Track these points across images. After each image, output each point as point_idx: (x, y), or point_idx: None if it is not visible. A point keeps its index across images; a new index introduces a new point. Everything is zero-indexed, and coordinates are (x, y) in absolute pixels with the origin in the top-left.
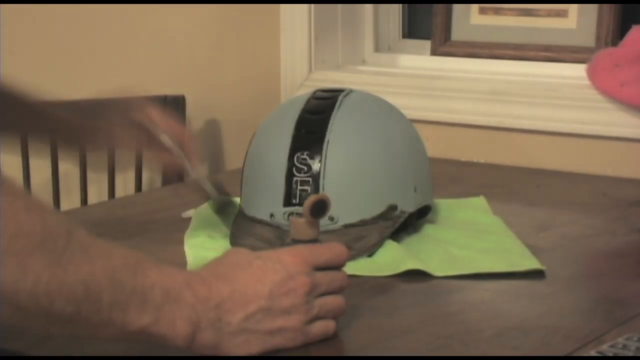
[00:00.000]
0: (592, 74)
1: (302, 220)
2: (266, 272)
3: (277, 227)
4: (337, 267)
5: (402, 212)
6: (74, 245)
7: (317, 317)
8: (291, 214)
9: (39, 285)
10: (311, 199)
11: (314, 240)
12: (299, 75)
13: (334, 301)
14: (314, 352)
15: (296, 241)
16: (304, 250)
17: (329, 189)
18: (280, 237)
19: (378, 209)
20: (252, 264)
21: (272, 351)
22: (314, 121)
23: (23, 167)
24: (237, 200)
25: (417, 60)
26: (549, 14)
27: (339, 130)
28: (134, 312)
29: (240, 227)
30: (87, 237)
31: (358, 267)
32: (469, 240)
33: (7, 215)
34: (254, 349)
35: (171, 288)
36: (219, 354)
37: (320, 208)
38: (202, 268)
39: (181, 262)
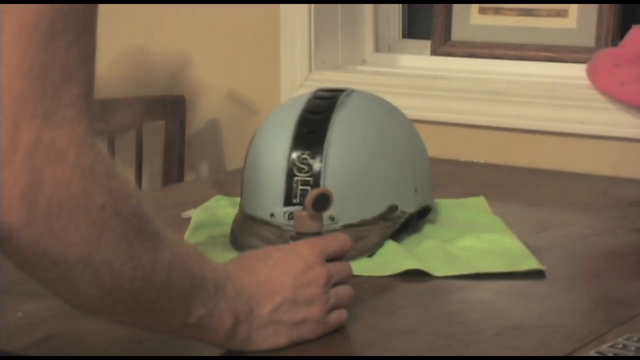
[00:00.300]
0: (592, 74)
1: (305, 213)
2: (287, 263)
3: (277, 227)
4: (342, 256)
5: (403, 212)
6: (158, 230)
7: (334, 307)
8: (291, 213)
9: (137, 269)
10: (313, 192)
11: (317, 233)
12: (299, 75)
13: (345, 290)
14: (315, 352)
15: (300, 234)
16: (317, 241)
17: (330, 188)
18: (280, 237)
19: (378, 209)
20: (271, 256)
21: (297, 343)
22: (315, 121)
23: None
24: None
25: (417, 60)
26: (549, 14)
27: (340, 130)
28: (196, 303)
29: (241, 226)
30: (161, 223)
31: (358, 267)
32: (469, 240)
33: (124, 196)
34: (281, 341)
35: (220, 280)
36: (248, 349)
37: (322, 202)
38: (226, 263)
39: None
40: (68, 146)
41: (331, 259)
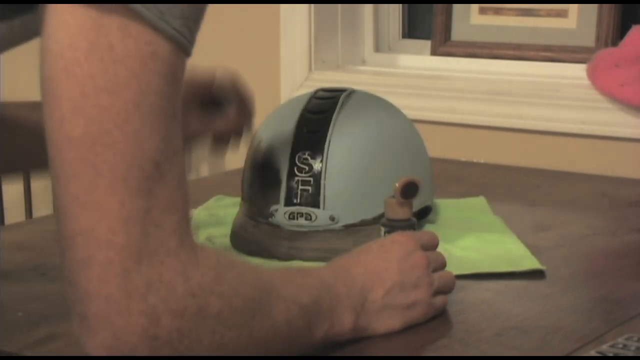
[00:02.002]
0: (592, 74)
1: (394, 200)
2: (387, 252)
3: (278, 227)
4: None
5: None
6: (271, 292)
7: (437, 290)
8: (292, 213)
9: (260, 340)
10: (402, 180)
11: (407, 220)
12: (299, 75)
13: (447, 275)
14: (315, 353)
15: (390, 220)
16: (410, 232)
17: (330, 188)
18: (280, 237)
19: (378, 209)
20: (371, 248)
21: (411, 325)
22: (315, 121)
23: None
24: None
25: (417, 60)
26: (549, 14)
27: (341, 130)
28: (316, 327)
29: (241, 226)
30: (268, 273)
31: None
32: (469, 240)
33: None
34: (397, 324)
35: (330, 286)
36: (368, 334)
37: (410, 189)
38: (332, 262)
39: None
40: (175, 277)
41: (426, 250)
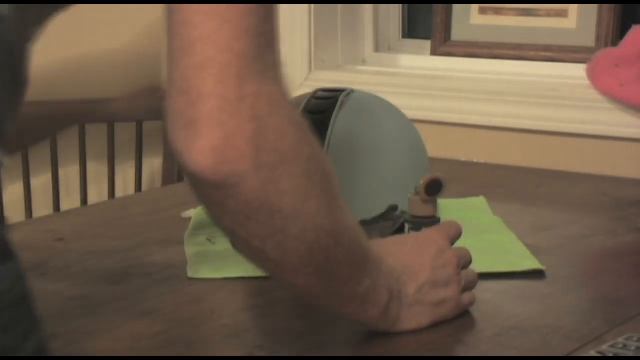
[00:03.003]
0: (592, 74)
1: (417, 198)
2: (422, 247)
3: None
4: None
5: (403, 212)
6: (341, 195)
7: (465, 288)
8: None
9: (334, 225)
10: (426, 178)
11: (432, 217)
12: (299, 75)
13: (472, 273)
14: (315, 352)
15: (415, 217)
16: (443, 227)
17: None
18: None
19: (378, 209)
20: (407, 242)
21: (439, 322)
22: (315, 121)
23: (23, 167)
24: None
25: (417, 60)
26: (549, 14)
27: (340, 130)
28: (365, 273)
29: None
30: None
31: None
32: (468, 240)
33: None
34: (425, 321)
35: (377, 257)
36: (396, 329)
37: (434, 187)
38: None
39: (181, 262)
40: (281, 99)
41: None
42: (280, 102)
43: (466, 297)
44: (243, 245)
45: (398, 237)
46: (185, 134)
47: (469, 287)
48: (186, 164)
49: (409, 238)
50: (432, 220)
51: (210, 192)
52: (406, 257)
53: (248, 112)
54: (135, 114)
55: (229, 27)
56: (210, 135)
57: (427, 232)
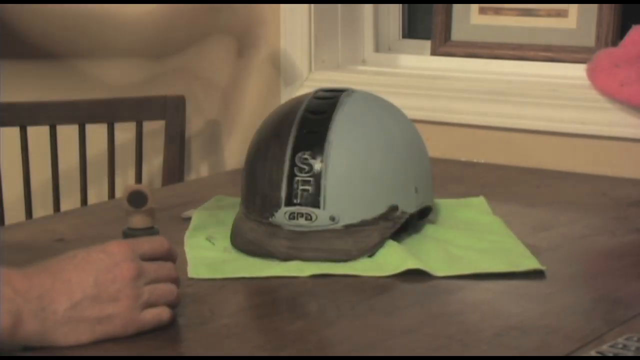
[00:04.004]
0: (592, 74)
1: (132, 209)
2: (90, 262)
3: (278, 227)
4: (164, 258)
5: (403, 212)
6: None
7: (149, 304)
8: (292, 213)
9: None
10: (128, 189)
11: (149, 228)
12: (299, 76)
13: (164, 288)
14: (314, 353)
15: (132, 230)
16: (128, 241)
17: (331, 189)
18: (280, 237)
19: (379, 209)
20: (77, 256)
21: (104, 339)
22: (315, 121)
23: (23, 166)
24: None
25: (417, 60)
26: (549, 14)
27: (341, 130)
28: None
29: (241, 227)
30: None
31: (358, 267)
32: (469, 240)
33: None
34: (83, 337)
35: (20, 289)
36: (47, 344)
37: (138, 198)
38: (29, 266)
39: (181, 262)
40: None
41: (152, 259)
42: None
43: (150, 313)
44: None
45: (74, 251)
46: None
47: (157, 302)
48: None
49: (82, 252)
50: (151, 232)
51: None
52: (66, 273)
53: None
54: None
55: None
56: None
57: (106, 245)
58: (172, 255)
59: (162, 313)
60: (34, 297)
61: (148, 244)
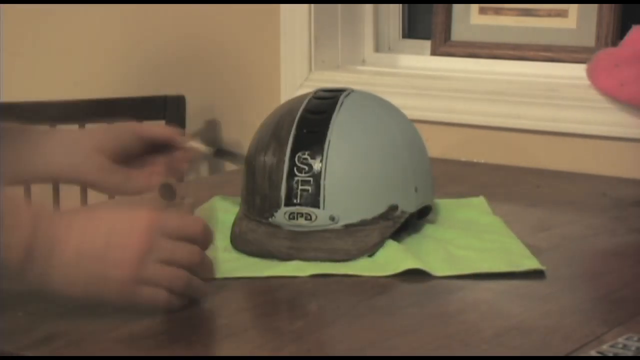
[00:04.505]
0: (592, 74)
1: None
2: (115, 221)
3: (278, 227)
4: (196, 240)
5: (403, 212)
6: None
7: (150, 282)
8: (292, 213)
9: None
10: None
11: None
12: (299, 75)
13: (172, 272)
14: (315, 353)
15: None
16: (160, 213)
17: (330, 188)
18: (280, 237)
19: (379, 209)
20: (109, 211)
21: (98, 299)
22: (315, 121)
23: None
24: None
25: (417, 60)
26: (549, 14)
27: (340, 130)
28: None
29: (241, 227)
30: None
31: (358, 267)
32: (469, 240)
33: None
34: (77, 290)
35: (10, 209)
36: (44, 287)
37: (168, 191)
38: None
39: None
40: None
41: (183, 237)
42: None
43: (146, 290)
44: None
45: (112, 204)
46: None
47: (159, 283)
48: None
49: (115, 209)
50: None
51: None
52: (84, 222)
53: None
54: None
55: None
56: None
57: (138, 211)
58: (205, 239)
59: (158, 294)
60: (49, 237)
61: (177, 221)
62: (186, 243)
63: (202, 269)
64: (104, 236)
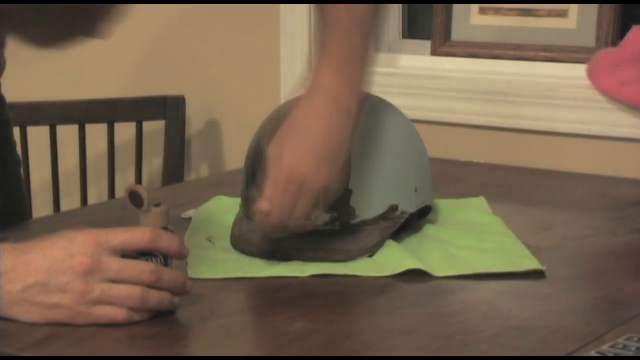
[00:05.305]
0: (592, 74)
1: (136, 210)
2: (53, 248)
3: None
4: (167, 254)
5: (403, 212)
6: None
7: (101, 302)
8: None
9: None
10: (127, 189)
11: (163, 229)
12: (299, 75)
13: (121, 289)
14: (315, 352)
15: None
16: (99, 231)
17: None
18: (280, 237)
19: (378, 209)
20: (48, 240)
21: (55, 324)
22: None
23: (23, 166)
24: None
25: (417, 60)
26: (549, 14)
27: None
28: None
29: (241, 227)
30: None
31: (358, 267)
32: (469, 240)
33: None
34: (36, 318)
35: None
36: (4, 316)
37: (136, 198)
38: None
39: (181, 262)
40: None
41: (143, 252)
42: None
43: (103, 309)
44: None
45: (53, 234)
46: None
47: (113, 302)
48: None
49: (55, 236)
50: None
51: None
52: (29, 256)
53: None
54: None
55: None
56: None
57: (76, 233)
58: (159, 249)
59: (115, 312)
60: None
61: (120, 237)
62: (132, 261)
63: (163, 281)
64: (46, 264)
